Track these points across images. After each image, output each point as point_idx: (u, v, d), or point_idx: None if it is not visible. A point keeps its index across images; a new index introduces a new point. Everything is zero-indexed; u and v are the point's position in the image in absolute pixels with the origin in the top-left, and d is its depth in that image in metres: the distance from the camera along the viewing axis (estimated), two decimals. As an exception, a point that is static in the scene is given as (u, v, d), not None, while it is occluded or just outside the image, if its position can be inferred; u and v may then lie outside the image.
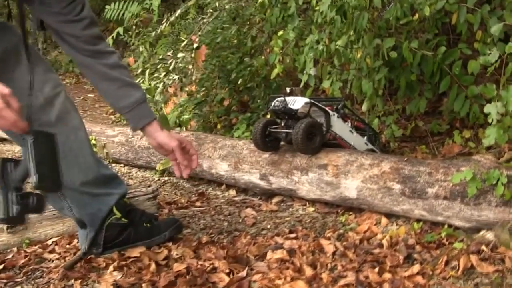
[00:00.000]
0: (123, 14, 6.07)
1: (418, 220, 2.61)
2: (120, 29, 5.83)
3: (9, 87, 1.88)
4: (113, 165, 4.23)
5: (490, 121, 2.31)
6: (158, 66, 4.31)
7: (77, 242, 2.62)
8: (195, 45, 4.24)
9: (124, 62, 6.72)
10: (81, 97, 7.83)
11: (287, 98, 2.94)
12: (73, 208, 2.44)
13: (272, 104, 2.98)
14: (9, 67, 2.19)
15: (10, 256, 2.59)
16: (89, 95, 7.94)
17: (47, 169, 1.90)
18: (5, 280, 2.36)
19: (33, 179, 1.85)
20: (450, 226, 2.48)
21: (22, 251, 2.64)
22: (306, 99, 2.93)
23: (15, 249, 2.66)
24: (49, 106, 2.28)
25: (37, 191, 1.98)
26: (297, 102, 2.92)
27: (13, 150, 5.01)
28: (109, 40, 5.15)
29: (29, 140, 1.87)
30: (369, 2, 2.94)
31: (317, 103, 2.95)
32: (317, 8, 3.28)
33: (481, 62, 2.79)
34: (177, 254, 2.48)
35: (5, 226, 2.66)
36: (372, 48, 3.06)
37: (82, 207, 2.44)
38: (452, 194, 2.42)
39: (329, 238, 2.56)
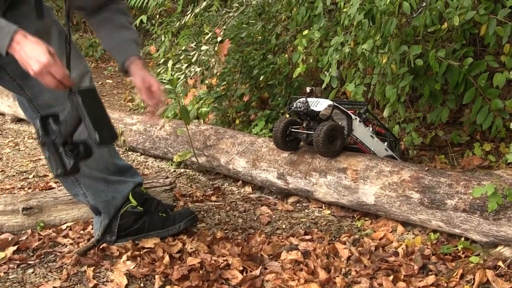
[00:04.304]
0: (147, 2, 6.09)
1: (434, 231, 2.59)
2: (144, 17, 5.85)
3: None
4: (130, 153, 4.24)
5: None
6: (181, 58, 4.30)
7: (92, 229, 2.64)
8: (219, 39, 4.23)
9: (146, 50, 6.71)
10: (100, 82, 7.83)
11: (309, 100, 2.93)
12: (88, 195, 2.47)
13: (294, 105, 2.97)
14: None
15: (24, 238, 2.61)
16: (108, 81, 7.95)
17: (103, 124, 1.93)
18: (18, 262, 2.39)
19: (95, 136, 1.87)
20: (467, 239, 2.47)
21: (36, 234, 2.67)
22: (329, 102, 2.91)
23: (29, 231, 2.69)
24: None
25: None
26: (319, 104, 2.90)
27: (30, 131, 5.03)
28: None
29: (78, 98, 1.89)
30: (398, 7, 2.92)
31: (340, 106, 2.94)
32: (345, 10, 3.27)
33: (507, 76, 2.79)
34: (191, 248, 2.49)
35: (20, 208, 2.69)
36: (398, 54, 3.04)
37: (97, 194, 2.46)
38: (471, 207, 2.40)
39: (344, 243, 2.56)
